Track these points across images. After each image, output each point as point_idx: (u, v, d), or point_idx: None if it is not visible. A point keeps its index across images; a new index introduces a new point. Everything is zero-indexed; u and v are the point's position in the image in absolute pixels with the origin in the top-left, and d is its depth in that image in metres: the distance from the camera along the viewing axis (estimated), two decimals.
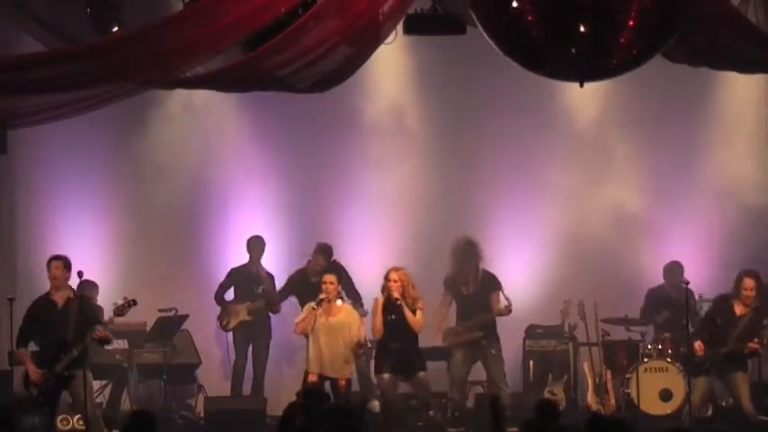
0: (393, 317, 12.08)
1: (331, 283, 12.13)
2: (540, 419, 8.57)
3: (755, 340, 11.99)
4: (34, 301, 11.89)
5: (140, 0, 11.52)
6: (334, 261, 13.59)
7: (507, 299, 12.71)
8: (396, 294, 11.97)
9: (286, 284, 13.89)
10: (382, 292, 12.18)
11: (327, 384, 12.06)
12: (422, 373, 12.23)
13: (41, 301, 11.77)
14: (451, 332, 12.86)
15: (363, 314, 12.91)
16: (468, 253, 12.85)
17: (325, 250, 13.67)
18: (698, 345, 12.27)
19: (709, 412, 12.58)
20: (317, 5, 10.46)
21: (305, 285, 13.48)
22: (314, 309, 12.06)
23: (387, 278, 12.10)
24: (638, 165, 14.75)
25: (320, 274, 12.97)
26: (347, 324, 12.16)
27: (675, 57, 11.13)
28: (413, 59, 14.14)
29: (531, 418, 8.59)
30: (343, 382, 12.10)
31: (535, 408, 8.74)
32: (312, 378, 12.04)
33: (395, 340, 12.10)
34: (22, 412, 12.57)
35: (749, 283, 12.15)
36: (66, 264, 11.66)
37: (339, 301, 12.26)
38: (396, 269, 12.13)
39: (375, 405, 12.62)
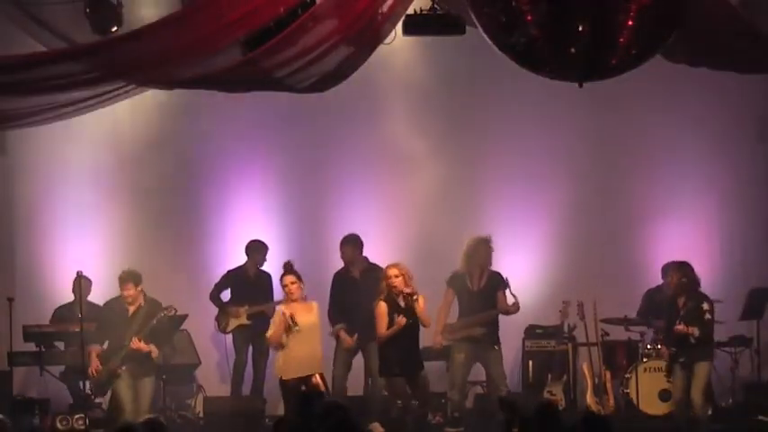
0: (397, 317, 12.02)
1: (293, 283, 12.01)
2: (539, 422, 8.55)
3: (679, 321, 12.01)
4: (107, 302, 12.32)
5: (140, 0, 11.53)
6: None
7: (515, 296, 12.71)
8: (407, 290, 11.77)
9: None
10: (380, 294, 12.09)
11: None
12: (423, 372, 12.20)
13: (115, 303, 12.18)
14: (450, 328, 12.82)
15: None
16: (483, 251, 12.82)
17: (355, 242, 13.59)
18: (663, 349, 12.55)
19: (709, 412, 12.58)
20: (317, 5, 10.47)
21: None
22: (284, 315, 11.93)
23: (387, 276, 11.88)
24: (637, 166, 14.76)
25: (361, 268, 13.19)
26: (317, 323, 12.06)
27: (675, 57, 11.15)
28: (413, 59, 14.14)
29: (529, 419, 8.58)
30: (318, 378, 11.90)
31: (535, 410, 8.71)
32: (290, 382, 11.93)
33: (401, 340, 11.97)
34: (23, 413, 12.66)
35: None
36: (136, 281, 12.08)
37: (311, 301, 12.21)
38: (393, 265, 11.98)
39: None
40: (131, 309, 12.10)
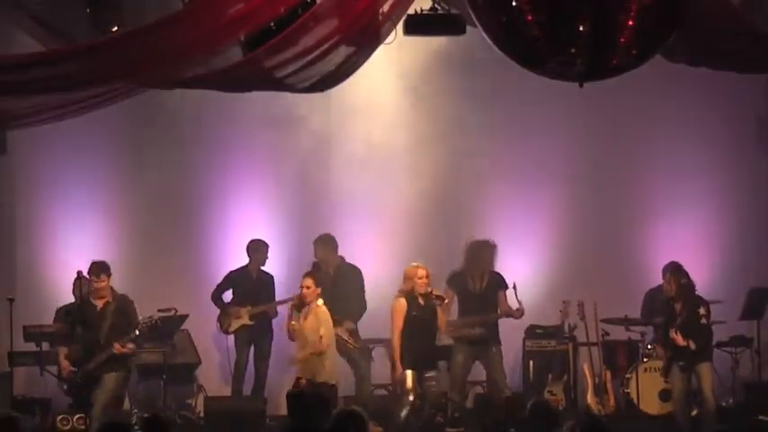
0: (415, 314, 12.06)
1: (308, 287, 12.10)
2: (534, 421, 8.54)
3: (674, 331, 12.08)
4: (78, 301, 12.16)
5: (140, 0, 11.51)
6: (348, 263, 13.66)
7: (519, 302, 12.71)
8: (436, 292, 12.03)
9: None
10: (400, 292, 12.15)
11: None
12: (435, 372, 12.23)
13: (83, 303, 12.04)
14: (450, 325, 12.82)
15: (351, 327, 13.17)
16: (487, 254, 12.83)
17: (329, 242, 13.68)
18: (659, 349, 12.70)
19: None
20: (317, 5, 10.46)
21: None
22: (296, 313, 12.13)
23: (415, 276, 12.02)
24: (637, 165, 14.76)
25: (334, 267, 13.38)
26: (315, 329, 12.12)
27: (675, 57, 11.14)
28: (413, 59, 14.12)
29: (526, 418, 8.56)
30: (326, 388, 11.98)
31: (529, 409, 8.69)
32: (302, 383, 12.05)
33: (417, 337, 12.04)
34: (23, 413, 12.65)
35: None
36: (108, 272, 11.98)
37: (320, 303, 12.24)
38: (421, 266, 12.12)
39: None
40: (100, 304, 11.96)
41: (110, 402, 11.92)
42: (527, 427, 8.50)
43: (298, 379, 12.15)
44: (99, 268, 11.99)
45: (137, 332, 11.88)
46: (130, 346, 11.91)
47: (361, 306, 13.43)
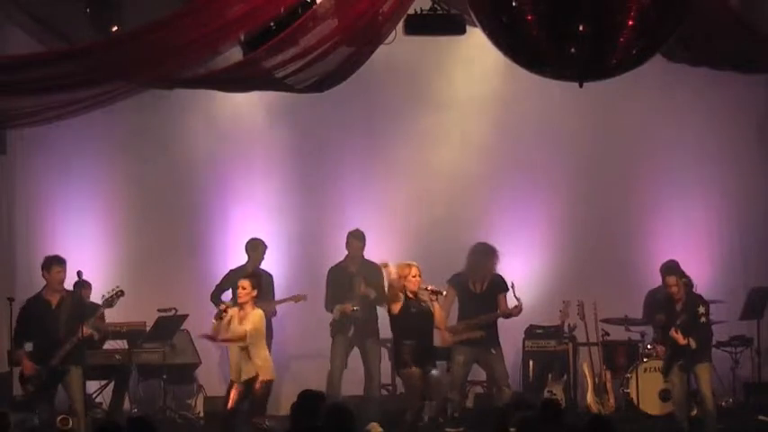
0: (413, 310, 11.98)
1: (243, 288, 11.93)
2: (541, 418, 8.55)
3: (674, 329, 12.10)
4: (27, 300, 12.09)
5: (140, 0, 11.51)
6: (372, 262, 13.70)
7: (518, 299, 12.70)
8: (431, 287, 11.86)
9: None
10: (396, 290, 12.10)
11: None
12: (436, 372, 12.18)
13: (35, 301, 11.97)
14: (452, 330, 12.81)
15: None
16: (489, 261, 12.83)
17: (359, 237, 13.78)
18: (659, 348, 12.72)
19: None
20: (317, 5, 10.47)
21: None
22: (223, 314, 11.88)
23: (409, 274, 11.81)
24: (637, 165, 14.76)
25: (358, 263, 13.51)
26: (250, 332, 12.05)
27: (675, 57, 11.15)
28: (413, 59, 14.13)
29: (531, 416, 8.56)
30: (258, 385, 11.76)
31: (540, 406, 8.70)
32: (233, 387, 11.82)
33: (415, 336, 11.96)
34: (22, 413, 12.63)
35: (670, 279, 12.31)
36: (61, 265, 11.87)
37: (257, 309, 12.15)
38: (414, 265, 11.95)
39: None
40: (54, 300, 11.87)
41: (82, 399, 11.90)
42: (532, 427, 8.49)
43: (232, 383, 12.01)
44: (50, 261, 11.91)
45: (102, 303, 11.84)
46: (92, 331, 11.84)
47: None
